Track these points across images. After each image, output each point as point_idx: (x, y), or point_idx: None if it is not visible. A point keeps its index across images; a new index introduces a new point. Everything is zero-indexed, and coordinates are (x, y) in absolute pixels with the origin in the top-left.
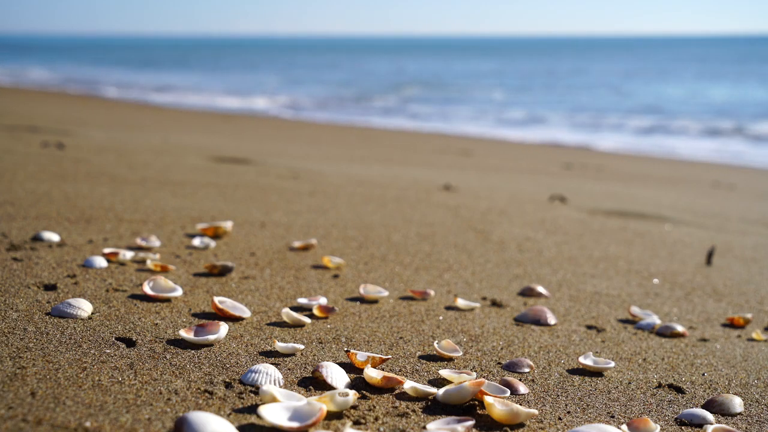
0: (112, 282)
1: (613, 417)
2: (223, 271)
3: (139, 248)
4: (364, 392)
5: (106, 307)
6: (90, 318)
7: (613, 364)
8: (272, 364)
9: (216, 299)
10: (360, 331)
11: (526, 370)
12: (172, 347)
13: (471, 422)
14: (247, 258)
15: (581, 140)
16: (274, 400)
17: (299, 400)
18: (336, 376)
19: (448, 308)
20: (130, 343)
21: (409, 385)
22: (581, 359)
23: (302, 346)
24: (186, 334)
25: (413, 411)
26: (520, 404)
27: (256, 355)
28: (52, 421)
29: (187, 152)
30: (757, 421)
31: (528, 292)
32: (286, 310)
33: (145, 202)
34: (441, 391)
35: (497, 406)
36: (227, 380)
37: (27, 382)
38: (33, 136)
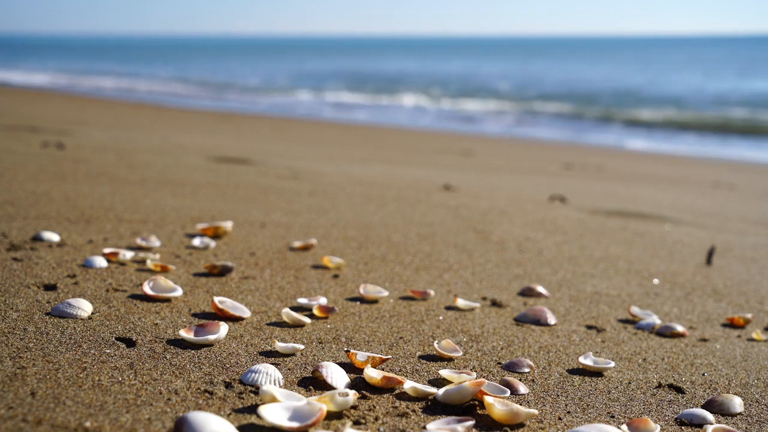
0: (112, 282)
1: (613, 417)
2: (223, 271)
3: (139, 248)
4: (364, 392)
5: (106, 307)
6: (90, 318)
7: (613, 364)
8: (272, 364)
9: (216, 299)
10: (360, 331)
11: (526, 370)
12: (172, 347)
13: (471, 422)
14: (247, 258)
15: (581, 139)
16: (274, 400)
17: (299, 400)
18: (336, 376)
19: (448, 308)
20: (130, 343)
21: (409, 385)
22: (581, 359)
23: (302, 346)
24: (186, 334)
25: (413, 411)
26: (520, 404)
27: (256, 355)
28: (52, 421)
29: (187, 152)
30: (757, 421)
31: (528, 292)
32: (286, 310)
33: (145, 202)
34: (441, 391)
35: (497, 406)
36: (227, 380)
37: (27, 382)
38: (33, 136)
